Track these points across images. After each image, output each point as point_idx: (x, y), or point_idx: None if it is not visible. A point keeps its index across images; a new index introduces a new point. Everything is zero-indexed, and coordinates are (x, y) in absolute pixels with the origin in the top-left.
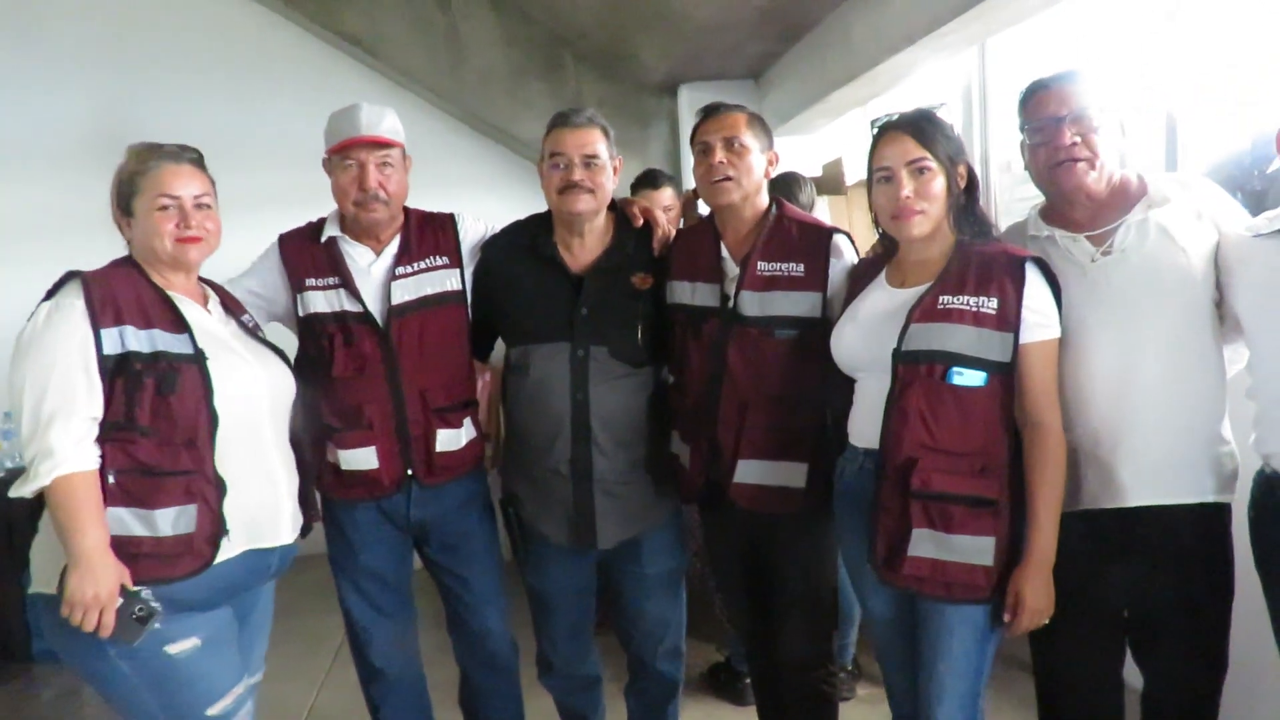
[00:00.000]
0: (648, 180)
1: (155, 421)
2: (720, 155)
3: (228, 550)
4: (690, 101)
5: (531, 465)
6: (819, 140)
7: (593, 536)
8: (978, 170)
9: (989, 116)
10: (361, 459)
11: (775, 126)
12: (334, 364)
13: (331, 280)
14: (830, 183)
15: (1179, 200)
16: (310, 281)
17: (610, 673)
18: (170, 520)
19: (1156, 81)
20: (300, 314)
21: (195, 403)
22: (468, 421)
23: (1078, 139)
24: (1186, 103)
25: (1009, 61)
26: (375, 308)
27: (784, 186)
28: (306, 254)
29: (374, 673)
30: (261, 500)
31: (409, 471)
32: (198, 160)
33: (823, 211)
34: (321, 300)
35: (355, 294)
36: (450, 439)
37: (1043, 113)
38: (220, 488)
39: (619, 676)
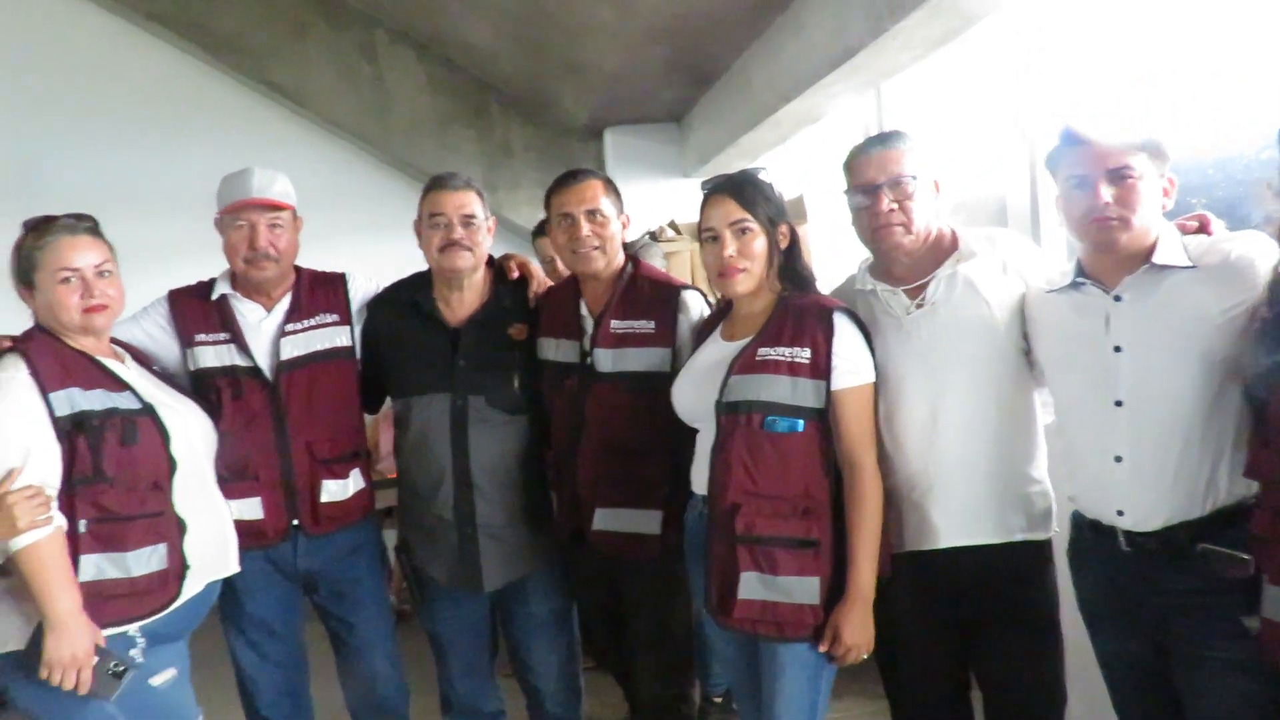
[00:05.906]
0: (542, 229)
1: (121, 470)
2: (585, 228)
3: (193, 585)
4: (615, 145)
5: (420, 512)
6: None
7: (479, 579)
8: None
9: None
10: (247, 509)
11: (697, 167)
12: (222, 417)
13: (222, 336)
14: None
15: (985, 254)
16: (200, 337)
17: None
18: (144, 560)
19: (1022, 125)
20: (191, 368)
21: (155, 450)
22: (355, 472)
23: (894, 205)
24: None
25: (905, 103)
26: (264, 362)
27: None
28: (198, 310)
29: None
30: (212, 535)
31: (295, 522)
32: (94, 229)
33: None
34: (211, 355)
35: (245, 349)
36: (336, 490)
37: (863, 179)
38: (181, 527)
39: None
